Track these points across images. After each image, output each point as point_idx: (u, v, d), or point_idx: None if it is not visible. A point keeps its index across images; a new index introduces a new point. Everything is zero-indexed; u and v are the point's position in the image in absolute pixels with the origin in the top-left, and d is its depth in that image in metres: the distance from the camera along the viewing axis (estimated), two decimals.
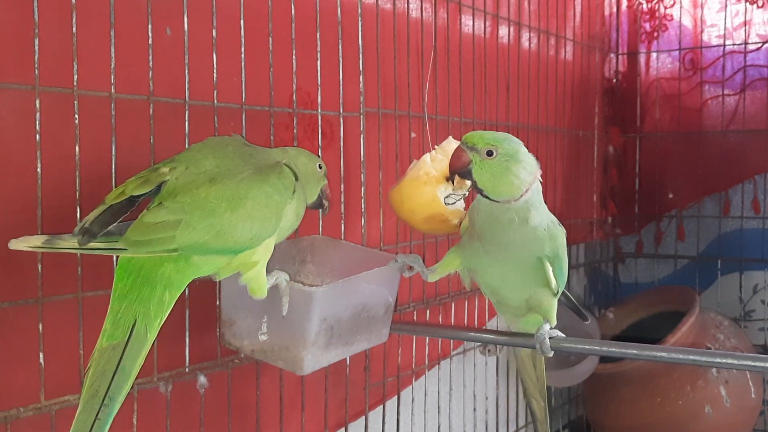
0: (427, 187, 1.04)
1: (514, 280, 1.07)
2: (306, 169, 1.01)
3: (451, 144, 1.09)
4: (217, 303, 1.09)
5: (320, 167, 1.03)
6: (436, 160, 1.06)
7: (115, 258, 0.93)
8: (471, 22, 1.63)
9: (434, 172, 1.04)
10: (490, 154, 0.95)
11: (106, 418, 0.79)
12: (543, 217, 1.02)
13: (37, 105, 0.88)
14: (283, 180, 0.93)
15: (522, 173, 0.96)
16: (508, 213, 0.99)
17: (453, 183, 1.04)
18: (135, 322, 0.82)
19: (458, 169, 0.98)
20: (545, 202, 1.03)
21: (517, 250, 1.02)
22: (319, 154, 1.23)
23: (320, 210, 1.08)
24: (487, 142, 0.96)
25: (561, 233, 1.04)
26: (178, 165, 0.89)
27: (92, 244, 0.81)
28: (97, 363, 0.80)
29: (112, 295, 0.84)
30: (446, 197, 1.08)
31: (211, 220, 0.85)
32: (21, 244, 0.80)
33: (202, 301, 1.08)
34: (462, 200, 1.09)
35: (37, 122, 0.88)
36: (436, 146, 1.10)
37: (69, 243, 0.81)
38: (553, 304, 1.09)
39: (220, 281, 1.07)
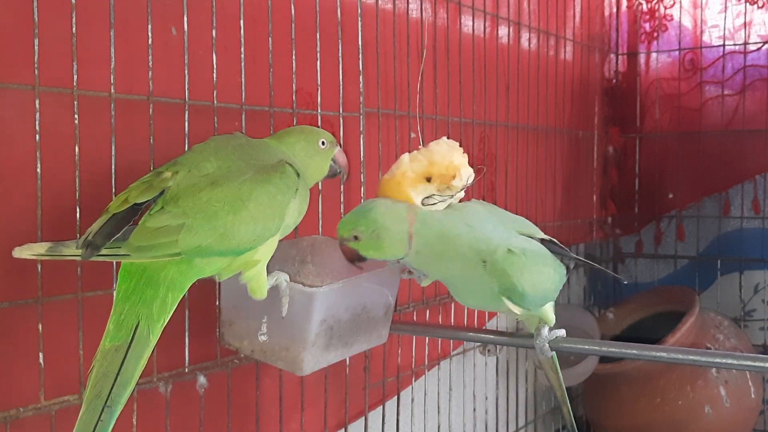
0: (401, 187, 1.03)
1: (488, 306, 1.06)
2: (306, 153, 1.00)
3: (440, 145, 1.07)
4: (217, 303, 1.09)
5: (323, 143, 1.01)
6: (416, 160, 1.04)
7: None
8: (471, 22, 1.63)
9: (410, 173, 1.03)
10: (357, 238, 0.96)
11: (109, 419, 0.79)
12: (482, 243, 0.98)
13: (37, 105, 0.88)
14: (285, 180, 0.93)
15: (392, 227, 0.96)
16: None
17: (357, 266, 1.02)
18: (138, 323, 0.82)
19: (353, 260, 0.99)
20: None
21: (470, 284, 1.00)
22: None
23: (340, 178, 1.06)
24: (348, 231, 0.96)
25: (517, 259, 0.97)
26: (180, 168, 0.89)
27: None
28: (100, 364, 0.80)
29: (115, 297, 0.84)
30: (427, 198, 1.04)
31: (214, 224, 0.85)
32: (25, 252, 0.80)
33: (202, 301, 1.08)
34: (448, 202, 1.04)
35: (37, 122, 0.88)
36: (420, 146, 1.09)
37: (73, 251, 0.81)
38: (546, 306, 1.06)
39: (219, 281, 1.07)
